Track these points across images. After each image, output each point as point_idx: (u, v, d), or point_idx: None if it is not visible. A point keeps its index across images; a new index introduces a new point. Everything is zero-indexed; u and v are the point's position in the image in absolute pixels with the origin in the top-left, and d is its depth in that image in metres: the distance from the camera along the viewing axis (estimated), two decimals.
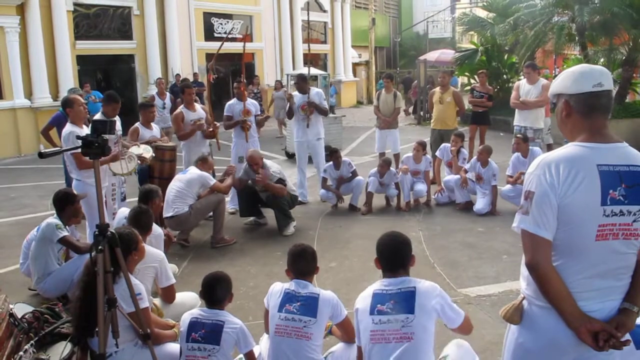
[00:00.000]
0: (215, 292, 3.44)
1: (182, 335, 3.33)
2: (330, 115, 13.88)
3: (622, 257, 2.13)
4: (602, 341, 2.04)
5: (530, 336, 2.24)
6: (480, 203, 7.72)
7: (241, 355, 3.42)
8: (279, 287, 3.41)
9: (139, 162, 6.29)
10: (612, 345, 2.05)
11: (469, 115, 11.72)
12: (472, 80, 19.72)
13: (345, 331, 3.43)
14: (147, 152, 6.63)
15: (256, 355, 3.42)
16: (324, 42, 26.94)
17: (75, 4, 16.02)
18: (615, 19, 13.28)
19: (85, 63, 16.64)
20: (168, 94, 12.89)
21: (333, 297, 3.40)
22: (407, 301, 2.84)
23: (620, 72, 14.27)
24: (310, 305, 3.28)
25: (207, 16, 20.50)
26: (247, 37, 19.81)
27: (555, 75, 14.22)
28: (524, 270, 2.24)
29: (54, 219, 4.98)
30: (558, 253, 2.13)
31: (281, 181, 7.13)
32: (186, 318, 3.38)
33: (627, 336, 2.11)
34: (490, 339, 4.02)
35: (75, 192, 5.23)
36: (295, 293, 3.33)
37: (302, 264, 3.47)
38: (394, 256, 3.03)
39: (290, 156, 10.59)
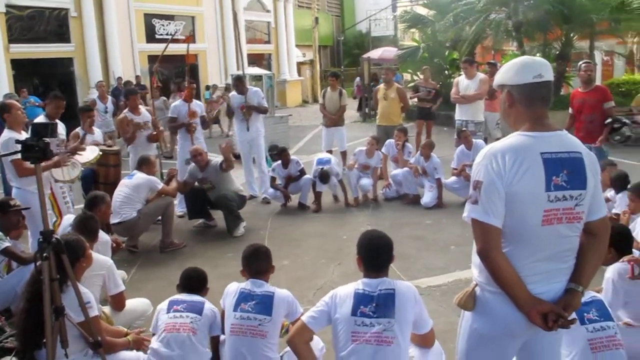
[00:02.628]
0: (194, 283, 3.66)
1: (161, 310, 3.45)
2: (277, 114, 13.88)
3: (567, 240, 2.23)
4: (551, 321, 2.13)
5: (484, 321, 2.31)
6: (428, 197, 7.88)
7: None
8: (234, 287, 3.42)
9: (82, 168, 6.10)
10: (561, 324, 2.14)
11: (414, 111, 11.92)
12: (415, 77, 20.03)
13: None
14: (93, 152, 6.45)
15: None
16: (268, 42, 26.86)
17: (7, 6, 15.39)
18: (548, 15, 13.77)
19: (20, 68, 16.03)
20: (110, 98, 12.60)
21: (288, 295, 3.41)
22: (388, 304, 2.84)
23: (555, 66, 14.80)
24: (265, 304, 3.28)
25: (148, 17, 20.09)
26: (190, 38, 19.52)
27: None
28: (475, 258, 2.30)
29: None
30: (507, 239, 2.20)
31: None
32: (166, 300, 3.52)
33: (574, 315, 2.21)
34: (442, 328, 4.09)
35: (13, 201, 4.99)
36: (251, 292, 3.33)
37: (257, 263, 3.48)
38: (379, 256, 3.01)
39: (237, 157, 10.52)
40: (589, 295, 3.15)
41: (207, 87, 18.20)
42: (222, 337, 3.51)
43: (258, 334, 3.21)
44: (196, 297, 3.54)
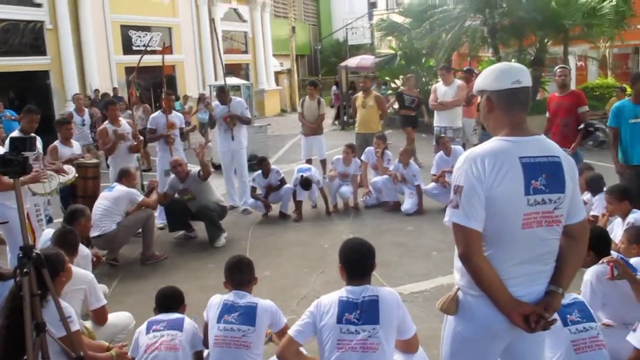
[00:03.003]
0: (171, 303, 3.60)
1: (141, 333, 3.38)
2: (255, 124, 13.86)
3: (547, 243, 2.26)
4: (533, 323, 2.16)
5: (467, 325, 2.34)
6: (408, 203, 7.92)
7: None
8: (218, 299, 3.40)
9: (60, 180, 6.03)
10: (543, 325, 2.18)
11: (396, 119, 12.05)
12: (392, 84, 20.16)
13: None
14: (70, 172, 6.40)
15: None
16: (245, 51, 26.85)
17: None
18: (522, 21, 13.99)
19: None
20: (87, 110, 12.47)
21: (272, 305, 3.41)
22: (372, 311, 2.86)
23: (531, 72, 14.97)
24: (248, 315, 3.28)
25: (125, 29, 19.97)
26: (167, 50, 19.45)
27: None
28: (457, 263, 2.33)
29: None
30: (488, 243, 2.23)
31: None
32: (144, 323, 3.46)
33: (555, 316, 2.25)
34: (425, 334, 4.11)
35: None
36: (234, 303, 3.33)
37: (239, 274, 3.47)
38: (361, 263, 3.03)
39: (217, 167, 10.50)
40: (570, 297, 3.20)
41: (178, 98, 18.12)
42: (205, 351, 3.49)
43: (242, 345, 3.20)
44: (175, 315, 3.50)
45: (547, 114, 7.16)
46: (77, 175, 6.48)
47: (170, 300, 3.61)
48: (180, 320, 3.43)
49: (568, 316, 3.09)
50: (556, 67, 7.41)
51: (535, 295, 2.25)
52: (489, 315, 2.24)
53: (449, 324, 2.45)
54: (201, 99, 16.97)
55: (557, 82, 7.05)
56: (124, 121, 7.78)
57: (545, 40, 15.22)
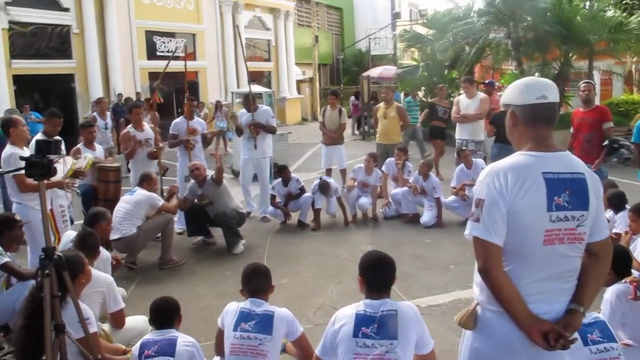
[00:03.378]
0: (164, 316, 3.42)
1: (134, 357, 3.22)
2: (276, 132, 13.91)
3: (568, 260, 2.23)
4: (552, 341, 2.12)
5: (485, 340, 2.31)
6: (427, 215, 7.88)
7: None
8: (234, 307, 3.38)
9: (74, 161, 6.03)
10: (562, 344, 2.14)
11: (420, 130, 12.08)
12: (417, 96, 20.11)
13: (302, 348, 3.42)
14: (85, 159, 6.42)
15: None
16: (268, 59, 27.00)
17: (10, 22, 15.49)
18: (547, 35, 13.89)
19: (22, 83, 16.06)
20: (109, 114, 12.60)
21: (288, 314, 3.39)
22: (390, 325, 2.84)
23: None
24: (265, 323, 3.26)
25: (149, 34, 20.20)
26: (190, 56, 19.62)
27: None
28: (476, 277, 2.31)
29: None
30: (508, 258, 2.21)
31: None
32: (137, 345, 3.30)
33: (575, 335, 2.21)
34: (443, 348, 4.07)
35: (16, 216, 5.02)
36: (251, 311, 3.30)
37: (256, 282, 3.45)
38: (382, 277, 3.02)
39: (237, 174, 10.55)
40: (591, 316, 3.14)
41: (200, 105, 18.21)
42: (216, 359, 3.47)
43: (259, 354, 3.18)
44: (168, 334, 3.30)
45: (572, 129, 7.08)
46: (92, 159, 6.49)
47: (163, 314, 3.42)
48: (173, 342, 3.24)
49: (589, 335, 3.04)
50: (581, 82, 7.34)
51: (555, 313, 2.21)
52: (507, 331, 2.21)
53: (466, 339, 2.42)
54: (217, 106, 17.06)
55: (581, 97, 6.98)
56: (147, 126, 7.83)
57: (570, 55, 15.09)
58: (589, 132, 6.77)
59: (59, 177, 5.57)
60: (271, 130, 8.53)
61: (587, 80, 7.63)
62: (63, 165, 5.70)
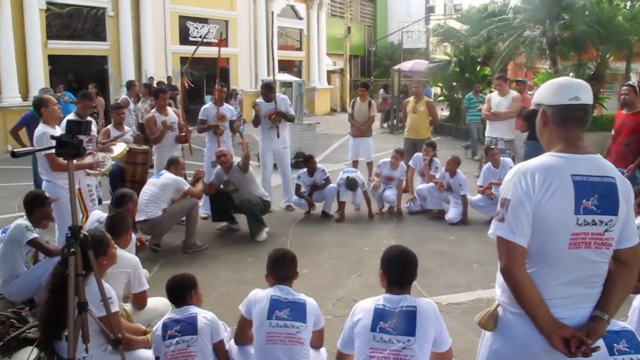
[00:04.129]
0: (178, 290, 3.47)
1: (158, 338, 3.27)
2: (304, 122, 13.91)
3: (594, 265, 2.18)
4: (573, 347, 2.08)
5: (504, 342, 2.28)
6: (452, 212, 7.81)
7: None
8: (262, 294, 3.33)
9: (113, 162, 6.18)
10: (584, 352, 2.09)
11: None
12: (444, 91, 19.94)
13: (320, 339, 3.44)
14: (120, 148, 6.55)
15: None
16: (299, 49, 26.98)
17: (48, 3, 15.75)
18: (584, 35, 13.60)
19: (56, 63, 16.36)
20: (141, 97, 12.72)
21: (316, 305, 3.39)
22: (408, 322, 2.83)
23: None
24: (299, 311, 3.25)
25: (183, 20, 20.36)
26: (222, 42, 19.68)
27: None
28: (498, 278, 2.27)
29: (23, 221, 4.87)
30: (532, 260, 2.17)
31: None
32: (159, 324, 3.35)
33: (599, 342, 2.16)
34: (461, 347, 4.05)
35: (46, 194, 5.12)
36: (282, 299, 3.28)
37: (283, 268, 3.43)
38: (403, 272, 3.01)
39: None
40: (618, 324, 3.06)
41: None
42: (232, 345, 3.47)
43: (297, 341, 3.17)
44: (187, 311, 3.37)
45: (613, 132, 6.93)
46: (127, 148, 6.63)
47: (178, 292, 3.48)
48: (193, 319, 3.30)
49: (615, 345, 2.94)
50: (624, 85, 7.17)
51: (578, 319, 2.17)
52: (528, 334, 2.18)
53: (485, 339, 2.39)
54: (232, 94, 17.04)
55: (621, 99, 6.82)
56: (171, 110, 7.86)
57: (607, 55, 14.77)
58: (629, 136, 6.60)
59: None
60: (291, 118, 8.51)
61: (629, 83, 7.45)
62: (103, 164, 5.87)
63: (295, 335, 3.18)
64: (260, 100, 8.42)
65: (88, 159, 5.65)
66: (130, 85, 12.88)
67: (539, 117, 2.31)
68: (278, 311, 3.22)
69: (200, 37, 20.04)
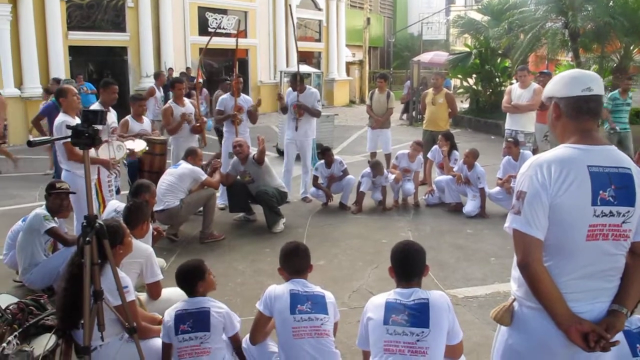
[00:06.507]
0: (186, 277, 3.42)
1: (170, 330, 3.26)
2: (323, 113, 13.86)
3: (612, 258, 2.15)
4: (592, 342, 2.05)
5: (521, 337, 2.25)
6: (470, 205, 7.74)
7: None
8: (280, 290, 3.29)
9: (127, 151, 6.18)
10: (602, 346, 2.06)
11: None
12: (464, 83, 19.77)
13: (334, 330, 3.42)
14: (140, 146, 6.58)
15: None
16: (318, 40, 26.90)
17: None
18: (607, 26, 13.38)
19: (77, 54, 16.51)
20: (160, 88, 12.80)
21: (332, 296, 3.39)
22: (421, 314, 2.82)
23: (611, 79, 14.36)
24: (320, 304, 3.25)
25: (202, 10, 20.40)
26: (241, 33, 19.69)
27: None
28: (515, 272, 2.24)
29: (42, 210, 4.93)
30: (549, 253, 2.14)
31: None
32: (170, 314, 3.32)
33: (618, 336, 2.13)
34: (477, 341, 4.02)
35: (60, 183, 5.15)
36: (301, 293, 3.26)
37: (296, 261, 3.41)
38: (411, 265, 3.01)
39: (282, 153, 10.60)
40: None
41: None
42: (247, 341, 3.44)
43: (323, 334, 3.17)
44: (200, 304, 3.33)
45: None
46: (147, 148, 6.66)
47: (188, 281, 3.43)
48: (206, 314, 3.26)
49: (638, 345, 2.88)
50: None
51: (596, 313, 2.13)
52: (544, 329, 2.15)
53: (501, 334, 2.36)
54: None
55: None
56: (187, 101, 7.89)
57: (632, 48, 14.52)
58: None
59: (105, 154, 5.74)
60: (315, 114, 8.45)
61: None
62: (115, 149, 5.84)
63: (320, 327, 3.17)
64: (289, 90, 8.52)
65: (104, 147, 5.65)
66: (157, 74, 12.98)
67: (551, 110, 2.29)
68: (300, 305, 3.20)
69: (220, 28, 20.05)
